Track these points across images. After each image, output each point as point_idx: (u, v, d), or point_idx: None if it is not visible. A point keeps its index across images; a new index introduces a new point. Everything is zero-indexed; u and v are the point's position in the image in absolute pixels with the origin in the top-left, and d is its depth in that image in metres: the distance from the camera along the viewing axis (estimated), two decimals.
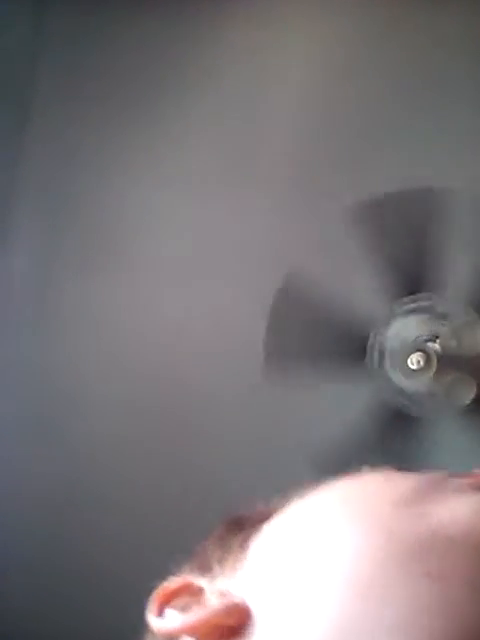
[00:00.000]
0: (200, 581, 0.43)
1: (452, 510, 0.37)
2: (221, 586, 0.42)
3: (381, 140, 1.58)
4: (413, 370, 1.40)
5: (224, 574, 0.43)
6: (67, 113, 1.74)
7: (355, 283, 1.45)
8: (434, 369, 1.39)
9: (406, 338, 1.41)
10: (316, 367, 1.44)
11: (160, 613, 0.41)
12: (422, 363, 1.39)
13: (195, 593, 0.42)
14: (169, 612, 0.41)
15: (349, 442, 1.41)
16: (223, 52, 1.71)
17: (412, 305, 1.43)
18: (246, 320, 1.54)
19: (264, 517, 0.45)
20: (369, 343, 1.44)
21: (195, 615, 0.39)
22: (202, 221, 1.65)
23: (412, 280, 1.41)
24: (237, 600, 0.39)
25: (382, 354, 1.43)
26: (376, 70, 1.60)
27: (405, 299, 1.42)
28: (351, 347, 1.43)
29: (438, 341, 1.41)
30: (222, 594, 0.41)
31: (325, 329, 1.44)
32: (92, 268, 1.69)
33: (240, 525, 0.46)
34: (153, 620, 0.41)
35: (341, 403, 1.49)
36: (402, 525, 0.36)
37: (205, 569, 0.45)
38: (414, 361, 1.39)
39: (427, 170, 1.51)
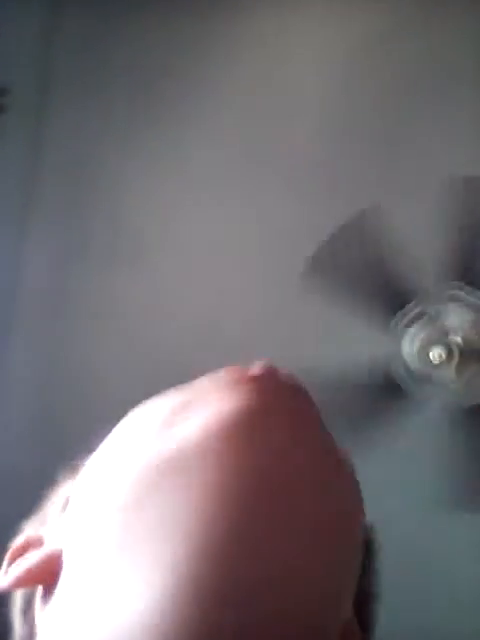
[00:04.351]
0: (40, 532, 0.45)
1: (191, 427, 0.40)
2: (49, 535, 0.44)
3: (397, 133, 1.58)
4: (435, 364, 1.39)
5: (54, 522, 0.45)
6: (89, 108, 1.75)
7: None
8: (456, 362, 1.37)
9: (424, 337, 1.40)
10: (351, 302, 1.42)
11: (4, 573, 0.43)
12: (444, 357, 1.37)
13: (37, 545, 0.44)
14: (9, 570, 0.42)
15: (344, 384, 1.42)
16: (243, 50, 1.71)
17: (419, 308, 1.42)
18: (269, 310, 1.53)
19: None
20: (407, 307, 1.42)
21: (14, 572, 0.41)
22: (223, 213, 1.65)
23: (411, 284, 1.40)
24: (52, 548, 0.41)
25: (409, 324, 1.42)
26: (393, 67, 1.60)
27: (460, 286, 1.41)
28: (390, 299, 1.42)
29: (460, 334, 1.39)
30: (45, 543, 0.43)
31: (378, 269, 1.41)
32: (114, 260, 1.69)
33: (76, 471, 0.47)
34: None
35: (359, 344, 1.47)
36: (154, 448, 0.40)
37: (44, 520, 0.46)
38: (436, 355, 1.38)
39: (443, 163, 1.50)
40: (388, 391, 1.42)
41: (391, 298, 1.42)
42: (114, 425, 0.47)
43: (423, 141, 1.54)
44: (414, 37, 1.59)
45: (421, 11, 1.57)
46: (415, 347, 1.40)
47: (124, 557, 0.37)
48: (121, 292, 1.68)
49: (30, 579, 0.41)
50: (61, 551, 0.41)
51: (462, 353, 1.38)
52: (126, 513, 0.38)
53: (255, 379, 0.42)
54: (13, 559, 0.43)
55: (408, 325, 1.42)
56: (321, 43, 1.67)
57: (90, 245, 1.72)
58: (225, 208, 1.65)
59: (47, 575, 0.40)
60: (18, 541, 0.45)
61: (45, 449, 1.65)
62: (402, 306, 1.42)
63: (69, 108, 1.76)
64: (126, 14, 1.74)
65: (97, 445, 0.46)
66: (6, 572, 0.42)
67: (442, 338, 1.39)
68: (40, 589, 0.42)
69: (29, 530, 0.47)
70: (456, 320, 1.41)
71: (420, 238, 1.38)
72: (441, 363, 1.37)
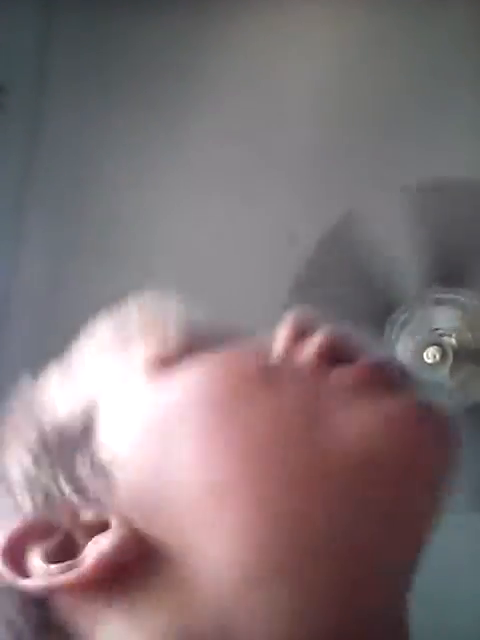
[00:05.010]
0: (48, 518, 0.36)
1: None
2: (88, 516, 0.36)
3: (394, 131, 1.58)
4: (429, 364, 1.39)
5: (86, 500, 0.37)
6: (87, 107, 1.74)
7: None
8: (450, 363, 1.38)
9: (425, 329, 1.40)
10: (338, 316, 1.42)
11: (18, 569, 0.35)
12: (438, 357, 1.38)
13: (45, 534, 0.36)
14: (36, 563, 0.34)
15: None
16: (238, 42, 1.70)
17: (446, 296, 1.42)
18: (268, 309, 1.53)
19: None
20: (393, 315, 1.42)
21: (86, 560, 0.34)
22: (218, 213, 1.65)
23: (399, 288, 1.40)
24: (129, 527, 0.34)
25: (401, 330, 1.42)
26: (390, 62, 1.60)
27: (442, 288, 1.41)
28: (375, 311, 1.42)
29: (454, 335, 1.40)
30: (96, 525, 0.35)
31: (360, 282, 1.41)
32: (111, 259, 1.69)
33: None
34: (16, 580, 0.34)
35: None
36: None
37: (51, 502, 0.37)
38: (430, 355, 1.38)
39: (441, 162, 1.51)
40: None
41: (377, 308, 1.42)
42: None
43: (421, 141, 1.54)
44: (413, 37, 1.59)
45: (420, 11, 1.57)
46: (409, 352, 1.41)
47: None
48: (118, 290, 1.67)
49: (103, 574, 0.34)
50: (135, 530, 0.34)
51: (456, 353, 1.38)
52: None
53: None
54: (16, 550, 0.35)
55: (398, 333, 1.42)
56: (320, 41, 1.67)
57: (87, 244, 1.71)
58: (223, 206, 1.65)
59: (121, 573, 0.34)
60: (13, 530, 0.36)
61: None
62: (389, 315, 1.42)
63: (67, 106, 1.76)
64: (124, 12, 1.74)
65: None
66: (17, 566, 0.34)
67: (435, 339, 1.40)
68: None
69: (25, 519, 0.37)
70: (447, 321, 1.41)
71: (406, 243, 1.38)
72: (436, 363, 1.38)
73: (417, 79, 1.58)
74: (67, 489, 0.37)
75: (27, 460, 0.38)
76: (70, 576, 0.33)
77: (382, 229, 1.41)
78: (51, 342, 1.78)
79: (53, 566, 0.34)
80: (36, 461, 0.38)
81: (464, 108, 1.54)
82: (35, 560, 0.35)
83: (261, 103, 1.67)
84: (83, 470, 0.37)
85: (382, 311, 1.42)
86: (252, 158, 1.65)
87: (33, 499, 0.37)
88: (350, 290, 1.42)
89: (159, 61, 1.72)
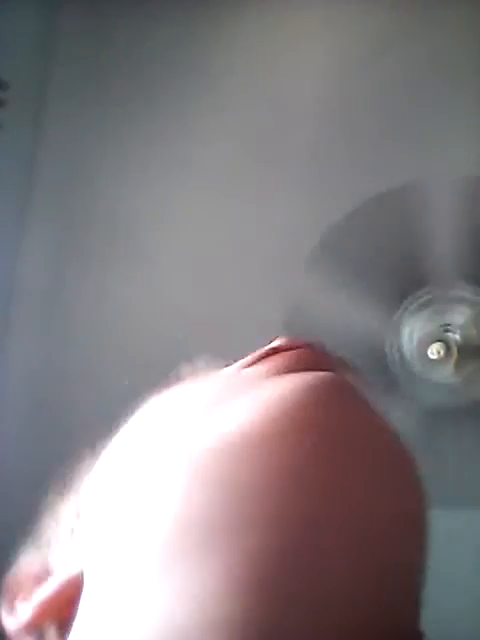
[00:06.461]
0: (43, 560, 0.39)
1: (243, 410, 0.34)
2: (58, 561, 0.37)
3: (397, 131, 1.58)
4: (433, 360, 1.39)
5: (62, 546, 0.38)
6: (90, 104, 1.74)
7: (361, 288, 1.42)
8: (455, 359, 1.38)
9: (423, 333, 1.40)
10: None
11: (13, 611, 0.37)
12: (442, 353, 1.38)
13: (43, 576, 0.37)
14: (19, 606, 0.37)
15: None
16: (244, 48, 1.70)
17: (422, 299, 1.42)
18: (271, 309, 1.54)
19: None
20: (388, 356, 1.42)
21: (27, 609, 0.35)
22: (220, 213, 1.65)
23: (416, 275, 1.40)
24: (69, 574, 0.35)
25: (403, 359, 1.42)
26: (393, 61, 1.59)
27: (414, 295, 1.41)
28: (370, 363, 1.40)
29: (458, 331, 1.40)
30: (55, 571, 0.37)
31: (385, 257, 1.40)
32: (113, 259, 1.69)
33: (72, 483, 0.42)
34: (8, 621, 0.37)
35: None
36: (195, 436, 0.34)
37: (47, 545, 0.40)
38: (434, 351, 1.38)
39: (442, 160, 1.51)
40: (383, 379, 1.42)
41: (395, 288, 1.42)
42: (112, 425, 0.44)
43: (424, 140, 1.54)
44: (416, 36, 1.59)
45: (423, 12, 1.57)
46: (414, 342, 1.41)
47: (174, 561, 0.31)
48: (120, 291, 1.68)
49: (49, 613, 0.35)
50: (80, 574, 0.34)
51: (460, 350, 1.38)
52: (171, 509, 0.32)
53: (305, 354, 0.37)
54: (13, 595, 0.38)
55: (409, 317, 1.42)
56: (322, 40, 1.67)
57: (89, 243, 1.71)
58: (225, 206, 1.65)
59: (66, 606, 0.34)
60: (17, 574, 0.39)
61: (42, 450, 1.65)
62: (405, 297, 1.42)
63: (69, 103, 1.76)
64: (127, 9, 1.74)
65: (97, 449, 0.41)
66: (10, 610, 0.37)
67: (440, 335, 1.39)
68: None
69: (27, 560, 0.40)
70: (457, 317, 1.41)
71: (419, 236, 1.38)
72: (440, 359, 1.38)
73: (419, 78, 1.58)
74: (60, 532, 0.39)
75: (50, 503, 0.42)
76: (22, 615, 0.37)
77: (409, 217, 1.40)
78: (51, 343, 1.78)
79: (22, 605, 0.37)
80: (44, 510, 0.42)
81: (467, 107, 1.54)
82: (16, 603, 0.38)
83: (263, 103, 1.66)
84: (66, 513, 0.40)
85: (398, 292, 1.41)
86: (255, 158, 1.64)
87: (41, 542, 0.40)
88: (373, 262, 1.40)
89: (163, 58, 1.72)
